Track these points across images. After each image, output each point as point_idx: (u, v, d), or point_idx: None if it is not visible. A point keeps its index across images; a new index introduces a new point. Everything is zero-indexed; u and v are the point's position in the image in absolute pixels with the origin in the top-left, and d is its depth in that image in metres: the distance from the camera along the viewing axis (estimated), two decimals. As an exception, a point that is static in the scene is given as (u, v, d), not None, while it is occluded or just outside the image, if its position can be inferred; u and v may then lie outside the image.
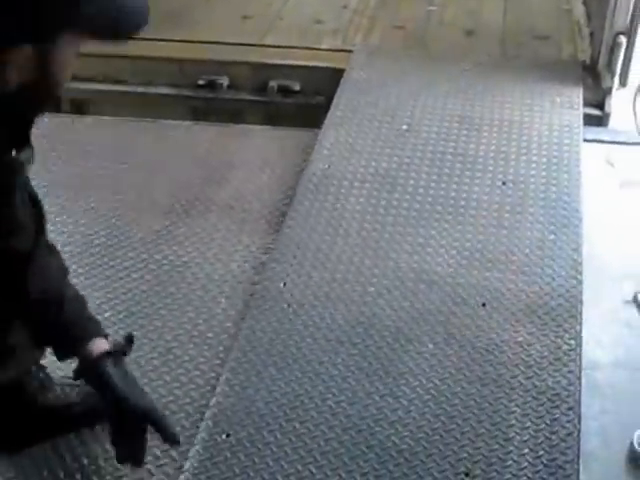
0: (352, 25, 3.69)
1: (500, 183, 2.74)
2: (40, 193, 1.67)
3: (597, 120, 3.25)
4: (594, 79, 3.33)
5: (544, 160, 2.85)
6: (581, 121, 3.08)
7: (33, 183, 1.64)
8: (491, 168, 2.81)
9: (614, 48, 3.21)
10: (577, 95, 3.20)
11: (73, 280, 1.86)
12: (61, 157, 3.08)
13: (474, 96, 3.17)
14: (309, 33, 3.62)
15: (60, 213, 2.75)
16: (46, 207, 1.68)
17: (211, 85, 3.44)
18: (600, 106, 3.27)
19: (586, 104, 3.23)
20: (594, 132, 3.18)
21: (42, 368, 1.91)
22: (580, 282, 2.35)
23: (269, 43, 3.54)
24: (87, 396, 1.86)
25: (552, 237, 2.52)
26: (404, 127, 2.99)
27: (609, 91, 3.27)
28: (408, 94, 3.18)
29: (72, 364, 1.77)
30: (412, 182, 2.74)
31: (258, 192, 2.80)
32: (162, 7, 3.83)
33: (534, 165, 2.82)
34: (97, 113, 3.50)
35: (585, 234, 2.55)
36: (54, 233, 2.40)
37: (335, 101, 3.14)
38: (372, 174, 2.78)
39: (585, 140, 3.09)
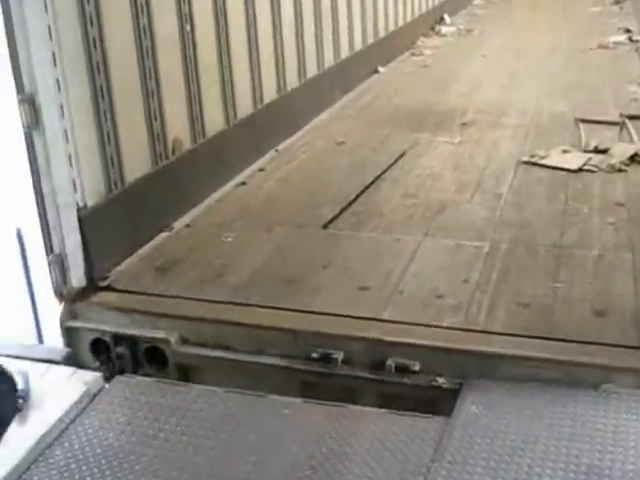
0: (474, 301, 3.51)
1: None
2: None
3: None
4: None
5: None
6: None
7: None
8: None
9: None
10: None
11: None
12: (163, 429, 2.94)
13: (603, 440, 2.81)
14: (429, 309, 3.46)
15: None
16: None
17: (325, 359, 3.27)
18: None
19: None
20: None
21: None
22: None
23: (387, 318, 3.38)
24: None
25: None
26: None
27: None
28: (526, 436, 2.83)
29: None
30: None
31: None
32: (279, 273, 3.81)
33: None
34: (205, 380, 3.37)
35: None
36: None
37: (446, 439, 2.83)
38: None
39: None
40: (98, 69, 3.75)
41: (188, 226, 4.39)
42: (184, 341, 3.46)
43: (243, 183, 5.03)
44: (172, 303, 3.58)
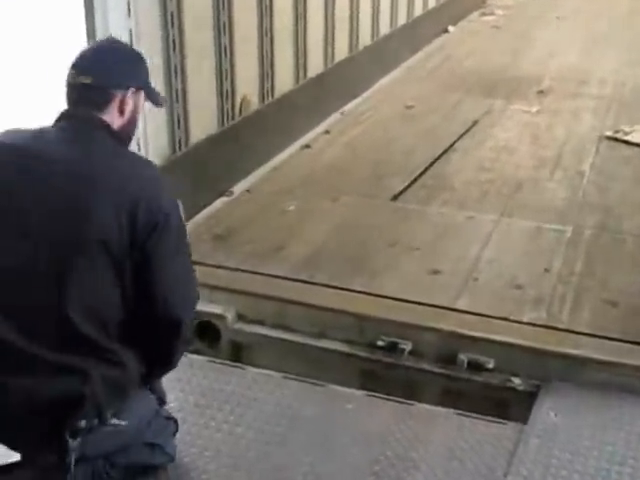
0: (556, 295, 3.23)
1: None
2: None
3: None
4: None
5: None
6: None
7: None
8: None
9: None
10: None
11: None
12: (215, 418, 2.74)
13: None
14: (507, 300, 3.19)
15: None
16: None
17: (391, 348, 3.03)
18: None
19: None
20: None
21: None
22: None
23: (461, 307, 3.13)
24: None
25: None
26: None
27: None
28: (611, 454, 2.56)
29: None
30: None
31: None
32: (344, 250, 3.58)
33: None
34: (259, 360, 3.17)
35: None
36: None
37: (521, 449, 2.58)
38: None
39: None
40: (172, 22, 3.53)
41: (248, 191, 4.15)
42: (240, 317, 3.24)
43: (307, 146, 4.78)
44: (230, 276, 3.37)
